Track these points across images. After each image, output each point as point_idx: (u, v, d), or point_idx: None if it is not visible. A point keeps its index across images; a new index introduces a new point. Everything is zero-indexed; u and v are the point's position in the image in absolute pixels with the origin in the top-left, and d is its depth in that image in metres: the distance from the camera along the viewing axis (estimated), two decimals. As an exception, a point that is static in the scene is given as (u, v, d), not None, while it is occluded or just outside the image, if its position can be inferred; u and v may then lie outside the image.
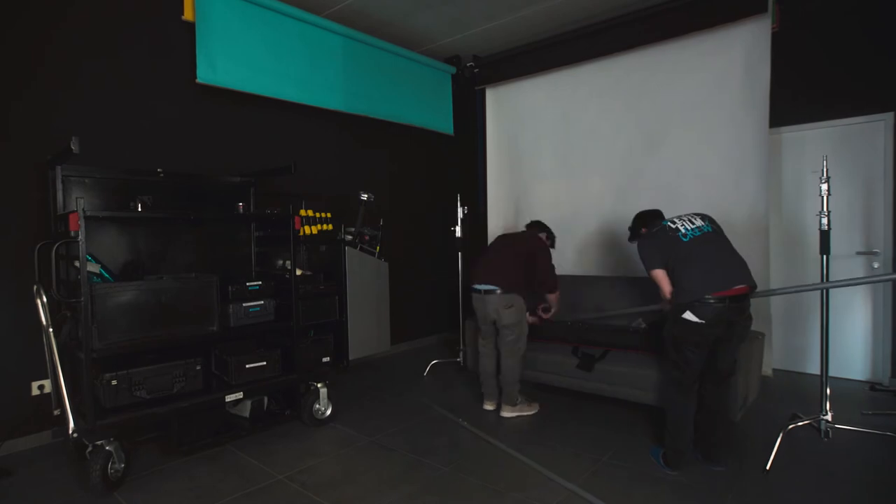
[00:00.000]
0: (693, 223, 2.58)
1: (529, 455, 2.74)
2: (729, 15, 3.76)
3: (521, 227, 3.77)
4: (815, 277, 3.64)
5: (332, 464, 2.71)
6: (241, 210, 3.28)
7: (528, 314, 3.36)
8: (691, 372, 2.49)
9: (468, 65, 5.41)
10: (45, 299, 2.57)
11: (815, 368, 3.79)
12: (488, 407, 3.45)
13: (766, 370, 3.78)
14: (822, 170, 2.77)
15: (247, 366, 2.95)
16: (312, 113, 4.32)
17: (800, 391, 3.66)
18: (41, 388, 2.95)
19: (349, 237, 3.72)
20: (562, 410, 3.41)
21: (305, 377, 3.21)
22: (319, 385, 3.21)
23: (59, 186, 2.75)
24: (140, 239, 3.07)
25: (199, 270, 3.19)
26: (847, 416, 3.08)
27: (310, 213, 3.70)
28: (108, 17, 3.23)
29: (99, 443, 2.40)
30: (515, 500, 2.32)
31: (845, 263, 3.84)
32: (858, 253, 3.83)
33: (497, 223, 5.30)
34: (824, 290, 2.84)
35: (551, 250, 3.48)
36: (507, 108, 5.26)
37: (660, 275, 2.56)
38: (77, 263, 2.41)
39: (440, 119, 5.48)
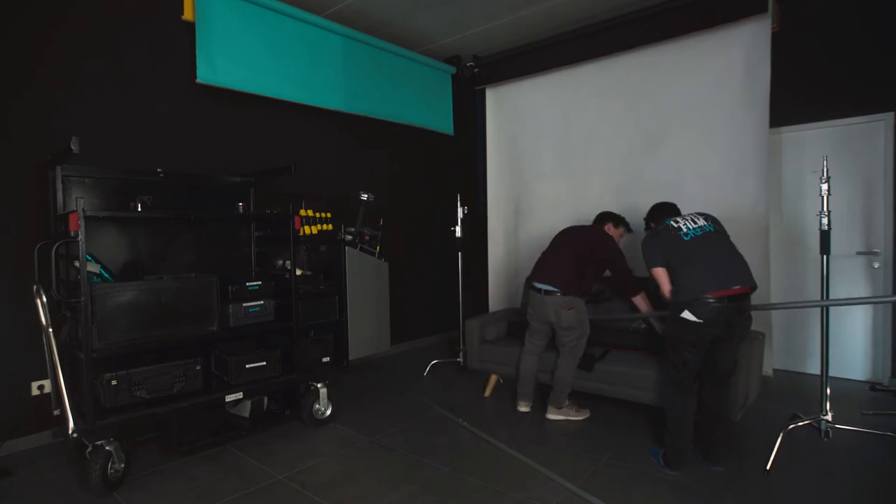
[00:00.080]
0: (696, 223, 2.59)
1: (529, 455, 2.74)
2: (729, 15, 3.75)
3: (563, 226, 3.51)
4: (815, 277, 3.64)
5: (332, 464, 2.71)
6: (241, 210, 3.28)
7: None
8: (688, 372, 2.49)
9: (468, 65, 5.40)
10: (44, 299, 2.57)
11: (815, 368, 3.80)
12: (523, 409, 3.35)
13: (767, 370, 3.78)
14: (823, 170, 2.77)
15: (247, 366, 2.95)
16: (312, 113, 4.32)
17: (800, 391, 3.66)
18: (41, 388, 2.95)
19: (349, 237, 3.72)
20: (562, 410, 3.41)
21: (305, 377, 3.21)
22: (319, 385, 3.21)
23: (59, 186, 2.75)
24: (140, 239, 3.07)
25: (199, 270, 3.19)
26: (847, 416, 3.08)
27: (310, 213, 3.69)
28: (108, 17, 3.23)
29: (99, 443, 2.40)
30: (515, 500, 2.32)
31: (845, 263, 3.84)
32: (859, 253, 3.83)
33: (497, 223, 5.29)
34: (824, 290, 2.84)
35: (622, 239, 3.21)
36: (507, 108, 5.25)
37: (660, 273, 2.58)
38: (77, 263, 2.41)
39: (440, 119, 5.47)
